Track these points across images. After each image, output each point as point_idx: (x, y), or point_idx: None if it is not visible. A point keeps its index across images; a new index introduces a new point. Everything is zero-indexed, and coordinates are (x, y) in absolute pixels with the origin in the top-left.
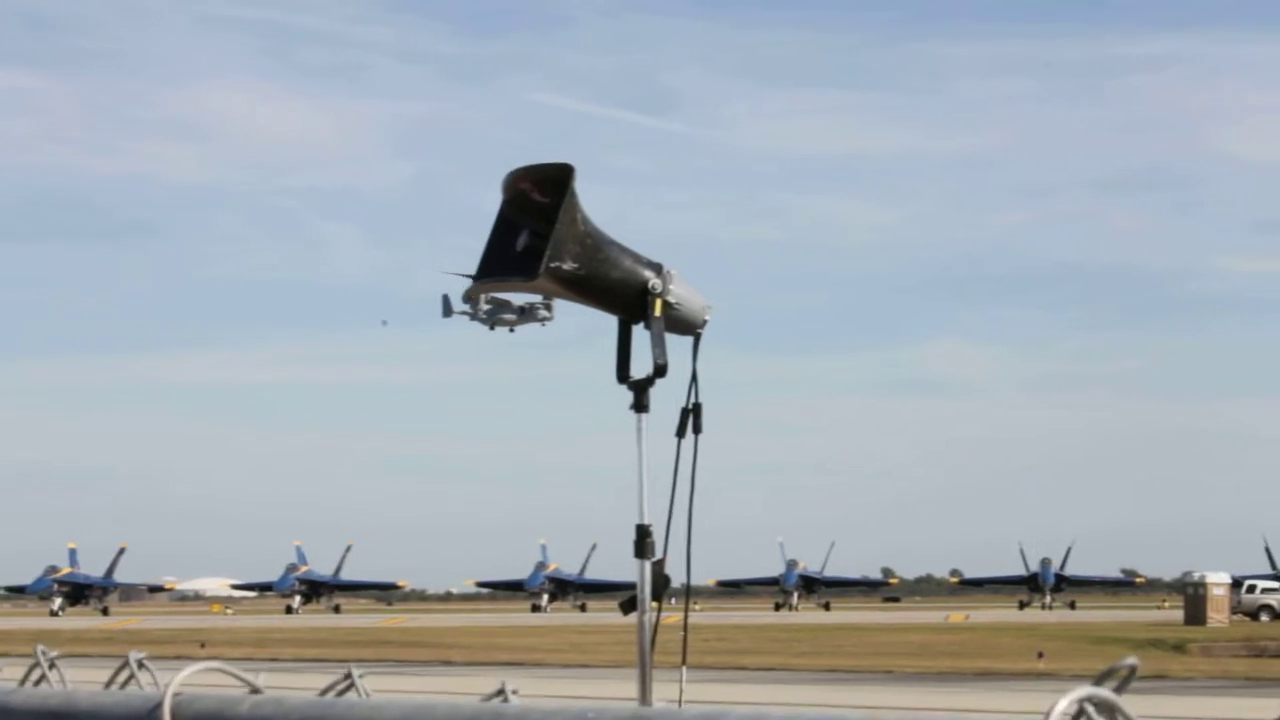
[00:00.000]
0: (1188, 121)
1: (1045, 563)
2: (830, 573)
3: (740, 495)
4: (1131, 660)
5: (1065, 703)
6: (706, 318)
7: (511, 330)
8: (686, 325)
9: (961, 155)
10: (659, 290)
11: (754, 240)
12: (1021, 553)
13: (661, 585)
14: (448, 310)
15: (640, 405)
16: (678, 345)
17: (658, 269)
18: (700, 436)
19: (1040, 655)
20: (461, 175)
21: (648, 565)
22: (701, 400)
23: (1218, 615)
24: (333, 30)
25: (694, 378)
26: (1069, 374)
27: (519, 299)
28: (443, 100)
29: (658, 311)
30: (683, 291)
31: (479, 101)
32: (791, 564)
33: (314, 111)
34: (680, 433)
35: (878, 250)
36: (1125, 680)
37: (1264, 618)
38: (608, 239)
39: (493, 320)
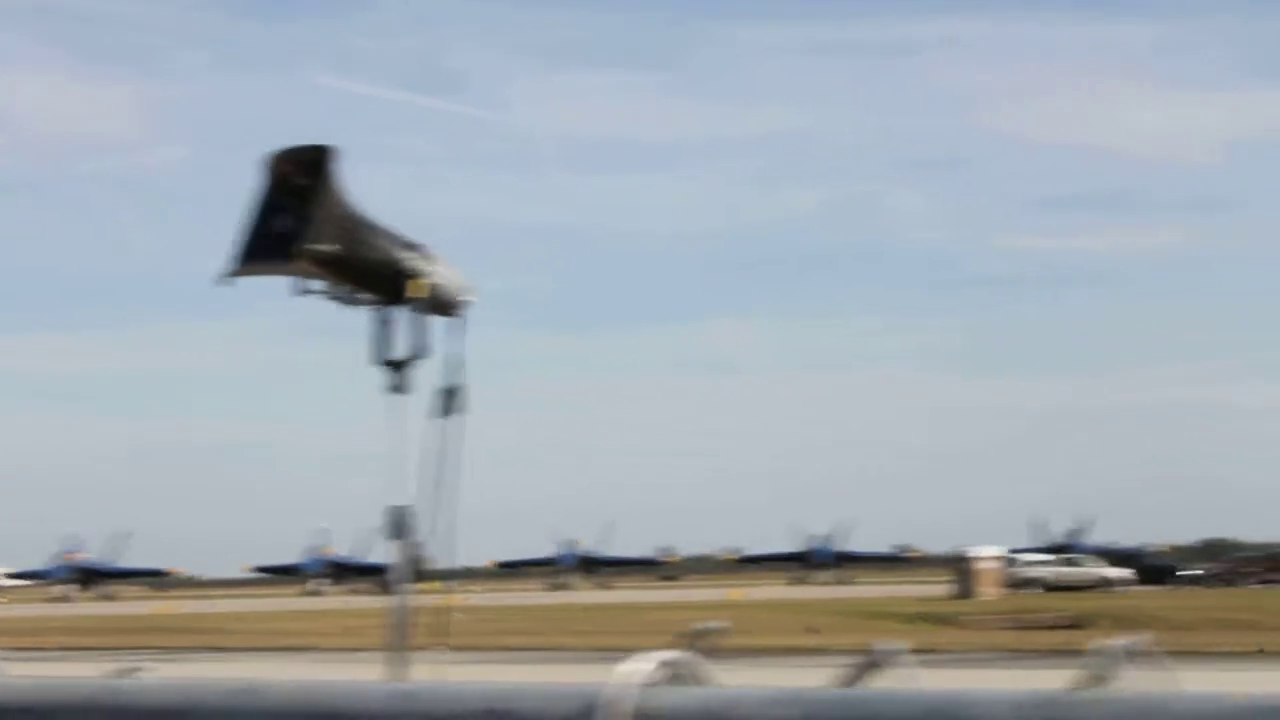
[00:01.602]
0: (978, 101)
1: (821, 539)
2: (609, 552)
3: (522, 475)
4: (718, 624)
5: (645, 665)
6: (468, 299)
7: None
8: (448, 306)
9: (752, 136)
10: (419, 271)
11: (540, 221)
12: (797, 530)
13: (420, 567)
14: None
15: (400, 387)
16: (439, 327)
17: (418, 250)
18: (463, 418)
19: (813, 630)
20: (248, 158)
21: (405, 547)
22: (465, 381)
23: (987, 589)
24: (115, 12)
25: (455, 359)
26: (858, 352)
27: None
28: (228, 83)
29: (418, 292)
30: (444, 272)
31: (264, 84)
32: (570, 544)
33: (99, 96)
34: (440, 414)
35: (667, 231)
36: (711, 644)
37: (1033, 590)
38: (368, 220)
39: (350, 299)
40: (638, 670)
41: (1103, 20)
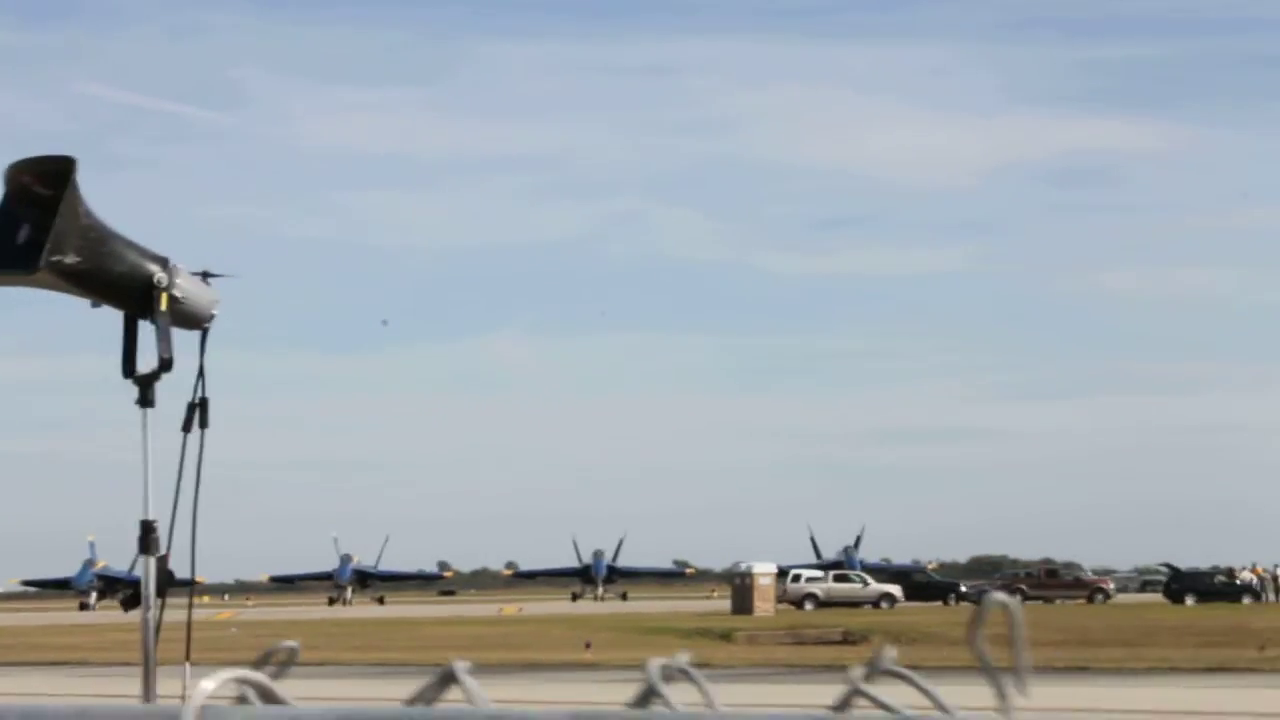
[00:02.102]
0: (744, 122)
1: (598, 554)
2: (386, 567)
3: (297, 490)
4: (291, 643)
5: (212, 684)
6: (214, 312)
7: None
8: (193, 320)
9: (521, 153)
10: (164, 284)
11: (312, 236)
12: (575, 545)
13: (165, 581)
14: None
15: (145, 400)
16: (187, 340)
17: (163, 263)
18: (205, 432)
19: (587, 645)
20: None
21: (152, 561)
22: (208, 395)
23: (764, 604)
24: None
25: (201, 372)
26: (626, 371)
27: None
28: None
29: (163, 306)
30: (189, 286)
31: (30, 93)
32: (346, 558)
33: None
34: (186, 428)
35: (438, 247)
36: (285, 663)
37: (808, 606)
38: (112, 232)
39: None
40: (210, 690)
41: (868, 43)
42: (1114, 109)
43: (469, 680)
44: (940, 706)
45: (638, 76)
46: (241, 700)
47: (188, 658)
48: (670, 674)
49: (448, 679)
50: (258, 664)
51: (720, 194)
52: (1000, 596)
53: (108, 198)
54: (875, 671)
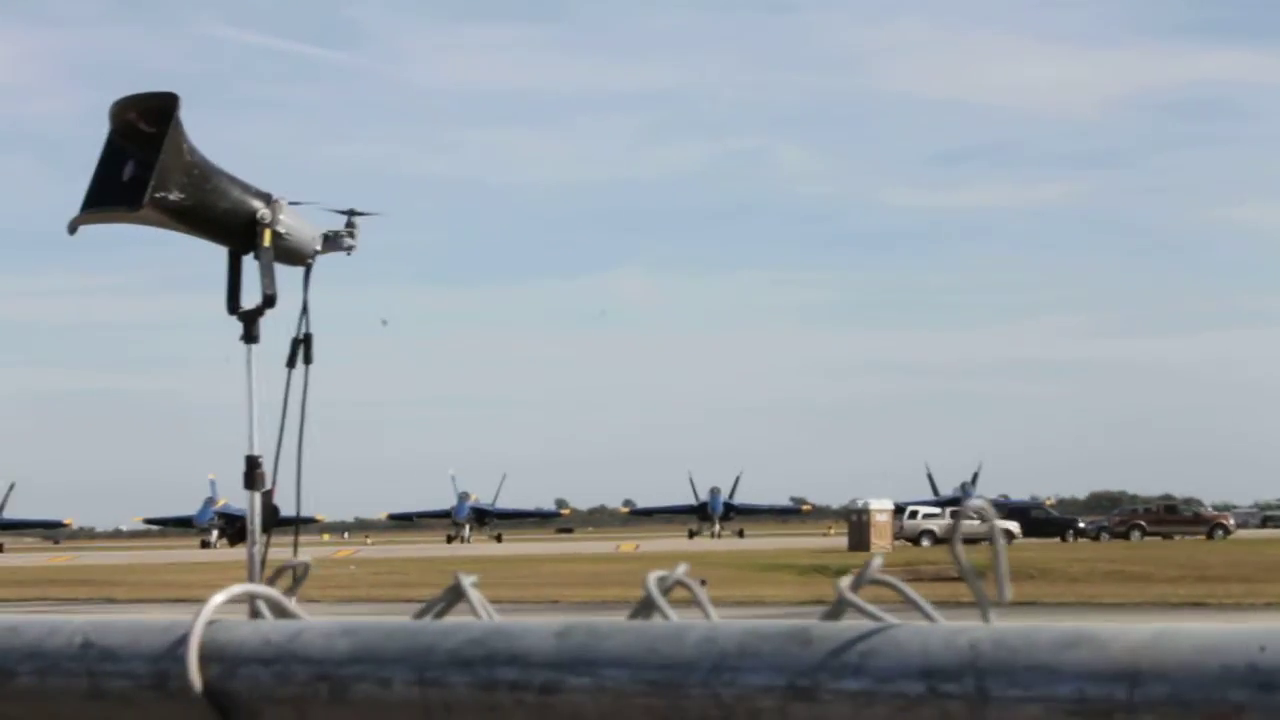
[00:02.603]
0: (861, 57)
1: (714, 491)
2: (502, 505)
3: (416, 427)
4: (305, 559)
5: (222, 597)
6: (317, 248)
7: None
8: (297, 256)
9: (639, 90)
10: (267, 220)
11: (432, 173)
12: (691, 482)
13: (271, 516)
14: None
15: (250, 336)
16: (291, 276)
17: (267, 199)
18: (310, 368)
19: (703, 583)
20: None
21: (258, 496)
22: (312, 331)
23: (881, 541)
24: None
25: (304, 308)
26: (747, 307)
27: (323, 227)
28: (120, 30)
29: (266, 242)
30: (293, 222)
31: (155, 34)
32: (463, 496)
33: None
34: (290, 363)
35: (556, 184)
36: (298, 580)
37: (925, 543)
38: (216, 169)
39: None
40: (218, 604)
41: None
42: (1239, 40)
43: (474, 594)
44: (926, 615)
45: (759, 13)
46: (255, 615)
47: (294, 593)
48: (668, 586)
49: (455, 593)
50: (273, 579)
51: (839, 130)
52: (978, 503)
53: (230, 137)
54: (863, 581)
